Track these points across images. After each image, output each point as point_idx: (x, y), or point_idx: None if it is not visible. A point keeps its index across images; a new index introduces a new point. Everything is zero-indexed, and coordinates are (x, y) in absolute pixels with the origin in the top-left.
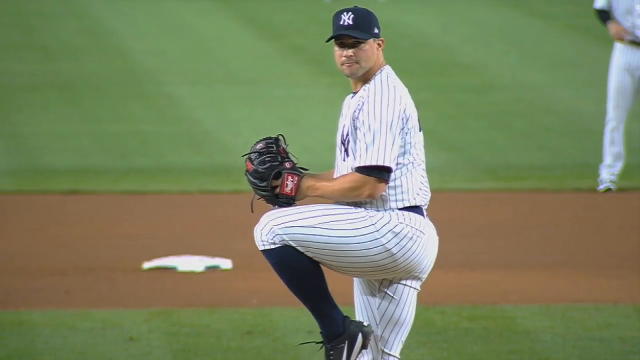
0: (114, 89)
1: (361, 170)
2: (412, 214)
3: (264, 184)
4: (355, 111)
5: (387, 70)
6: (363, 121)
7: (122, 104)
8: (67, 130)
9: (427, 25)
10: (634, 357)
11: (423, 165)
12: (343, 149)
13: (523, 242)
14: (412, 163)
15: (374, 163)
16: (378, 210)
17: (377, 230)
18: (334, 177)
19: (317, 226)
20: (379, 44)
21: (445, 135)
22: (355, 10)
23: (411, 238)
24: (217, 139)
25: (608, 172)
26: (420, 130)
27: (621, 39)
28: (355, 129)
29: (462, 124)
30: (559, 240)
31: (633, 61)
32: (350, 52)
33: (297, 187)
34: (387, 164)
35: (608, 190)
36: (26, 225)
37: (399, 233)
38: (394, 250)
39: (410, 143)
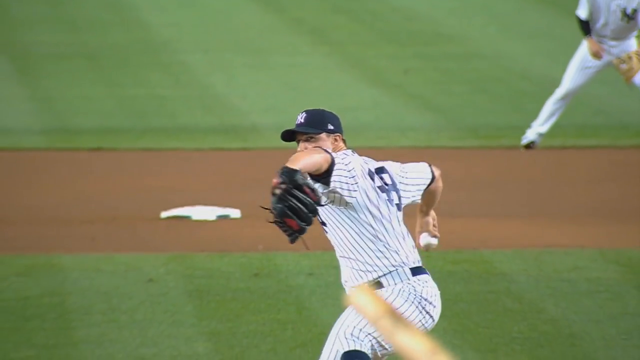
0: (134, 57)
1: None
2: (419, 276)
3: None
4: None
5: (344, 151)
6: None
7: (142, 70)
8: (92, 94)
9: None
10: (599, 296)
11: (403, 233)
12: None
13: (501, 194)
14: (381, 220)
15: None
16: (396, 273)
17: (412, 302)
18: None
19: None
20: (335, 139)
21: (432, 99)
22: (308, 111)
23: (435, 295)
24: (227, 102)
25: (536, 133)
26: (383, 193)
27: (599, 58)
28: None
29: (447, 89)
30: (533, 192)
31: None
32: (304, 145)
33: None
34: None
35: (531, 144)
36: (56, 179)
37: (427, 297)
38: (432, 312)
39: (368, 206)
